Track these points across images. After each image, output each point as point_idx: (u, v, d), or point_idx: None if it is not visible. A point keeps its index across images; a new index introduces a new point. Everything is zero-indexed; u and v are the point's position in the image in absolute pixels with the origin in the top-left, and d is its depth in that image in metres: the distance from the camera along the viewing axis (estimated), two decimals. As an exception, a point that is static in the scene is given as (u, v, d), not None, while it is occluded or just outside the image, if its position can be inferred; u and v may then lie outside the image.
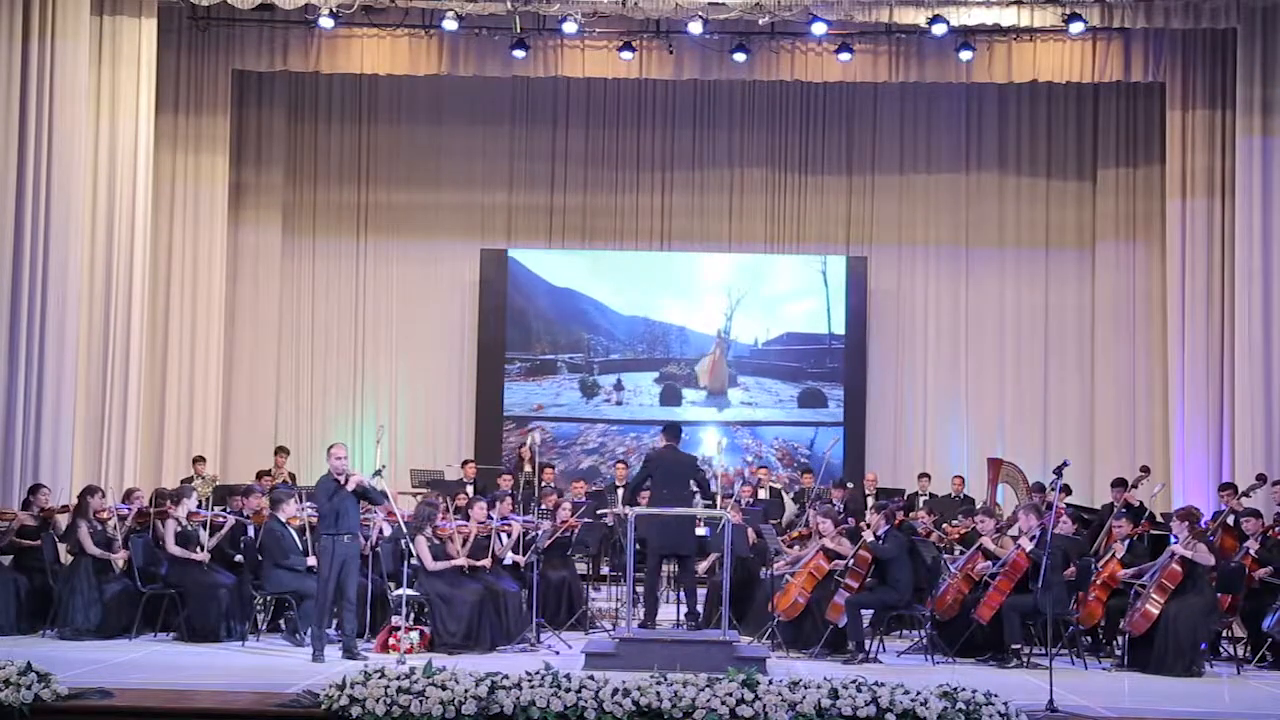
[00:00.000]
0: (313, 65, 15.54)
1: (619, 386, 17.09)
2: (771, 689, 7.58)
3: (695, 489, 11.20)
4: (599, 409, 17.12)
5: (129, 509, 11.62)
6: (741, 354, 17.30)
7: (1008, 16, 14.08)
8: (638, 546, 10.74)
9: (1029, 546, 10.44)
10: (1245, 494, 12.42)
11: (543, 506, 12.57)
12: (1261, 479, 12.78)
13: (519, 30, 14.83)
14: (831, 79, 15.82)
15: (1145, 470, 13.83)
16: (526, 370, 17.16)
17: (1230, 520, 11.80)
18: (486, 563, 10.92)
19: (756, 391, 17.20)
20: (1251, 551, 10.97)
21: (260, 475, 13.95)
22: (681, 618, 11.15)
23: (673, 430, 11.37)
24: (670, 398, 17.12)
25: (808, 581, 10.81)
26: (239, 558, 11.24)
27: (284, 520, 10.91)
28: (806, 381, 17.13)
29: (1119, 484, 13.34)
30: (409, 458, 16.46)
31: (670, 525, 10.79)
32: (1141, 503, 13.14)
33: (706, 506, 11.57)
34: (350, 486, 9.96)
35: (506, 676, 7.65)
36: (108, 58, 13.87)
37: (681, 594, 11.29)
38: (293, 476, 14.55)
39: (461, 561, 10.76)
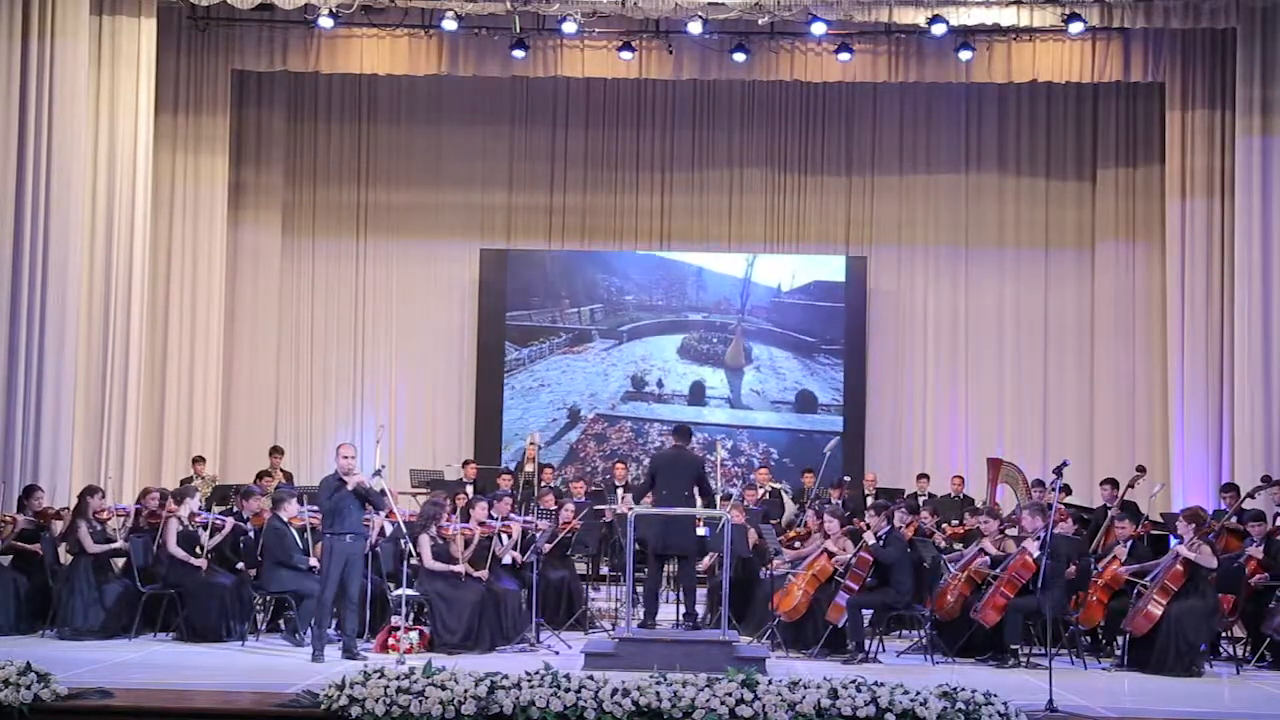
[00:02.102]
0: (312, 65, 15.54)
1: (660, 384, 17.19)
2: (771, 689, 7.58)
3: (697, 489, 11.20)
4: (652, 408, 17.17)
5: (134, 509, 11.62)
6: (760, 303, 17.28)
7: (1007, 16, 14.07)
8: (637, 546, 10.73)
9: (1036, 551, 10.32)
10: (1250, 495, 12.39)
11: (541, 507, 12.58)
12: (1267, 480, 12.74)
13: (519, 30, 14.84)
14: (831, 79, 15.82)
15: (1141, 470, 13.82)
16: (571, 340, 17.19)
17: (1233, 520, 11.79)
18: (484, 574, 10.87)
19: (766, 372, 17.19)
20: (1255, 555, 10.91)
21: (259, 476, 13.94)
22: (680, 618, 11.15)
23: (683, 432, 11.45)
24: (697, 396, 17.18)
25: (810, 583, 10.80)
26: (240, 564, 11.23)
27: (286, 520, 10.91)
28: (818, 357, 17.14)
29: (1109, 483, 13.32)
30: (409, 458, 16.45)
31: (670, 525, 10.79)
32: (1135, 503, 13.12)
33: (706, 506, 11.57)
34: (350, 485, 9.96)
35: (506, 676, 7.66)
36: (107, 58, 13.86)
37: (680, 594, 11.28)
38: (289, 475, 14.54)
39: (461, 568, 10.72)
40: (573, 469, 16.71)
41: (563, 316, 17.34)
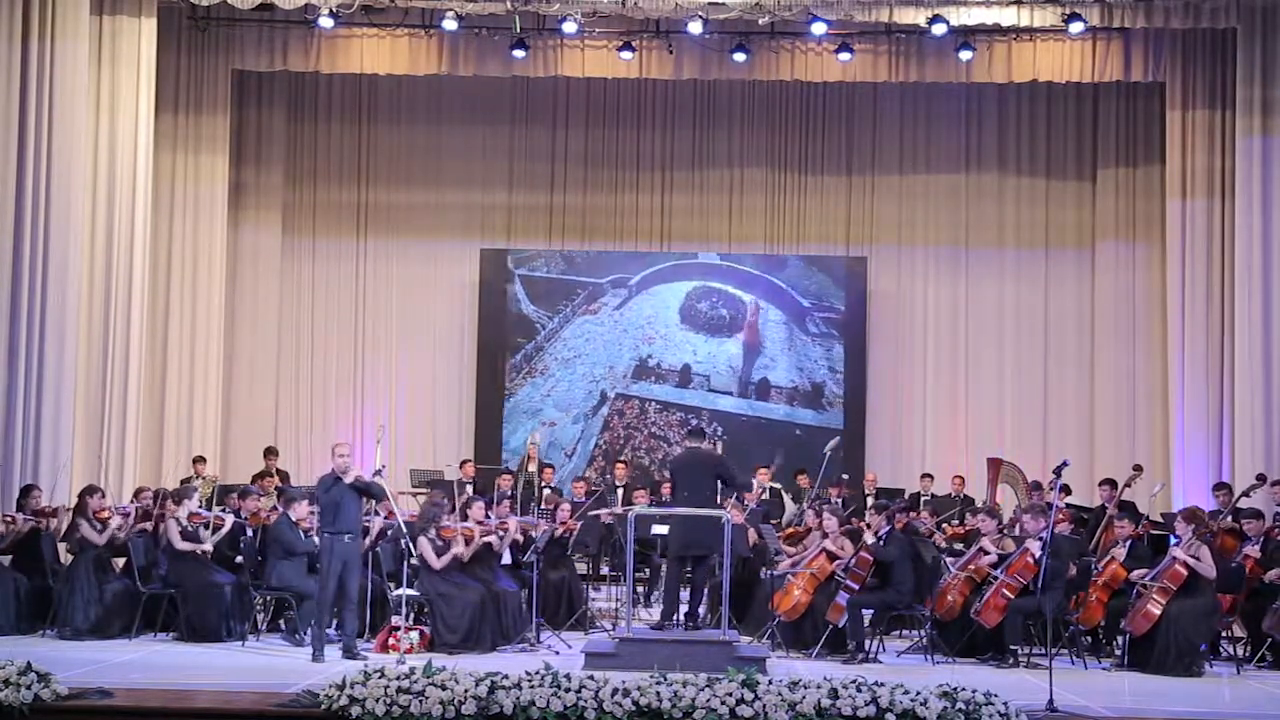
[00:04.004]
0: (313, 65, 15.56)
1: (659, 365, 17.24)
2: (771, 689, 7.58)
3: (721, 484, 11.14)
4: (651, 388, 17.22)
5: (131, 509, 11.61)
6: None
7: (1008, 16, 14.08)
8: (638, 547, 10.71)
9: (1038, 551, 10.29)
10: (1245, 494, 12.40)
11: (542, 507, 12.58)
12: (1261, 479, 12.75)
13: (519, 30, 14.85)
14: (831, 79, 15.85)
15: (1138, 469, 13.81)
16: (587, 298, 17.24)
17: (1229, 520, 11.79)
18: (504, 554, 10.93)
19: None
20: (1252, 554, 10.90)
21: (256, 478, 13.94)
22: (682, 617, 11.13)
23: (696, 433, 11.49)
24: (684, 379, 17.18)
25: (810, 582, 10.80)
26: (239, 559, 11.23)
27: (294, 520, 10.90)
28: (809, 325, 17.14)
29: (1107, 483, 13.31)
30: (409, 458, 16.43)
31: (689, 525, 10.69)
32: (1134, 503, 13.11)
33: (727, 498, 11.51)
34: (348, 479, 9.96)
35: (506, 676, 7.66)
36: (108, 58, 13.87)
37: (686, 593, 11.26)
38: (284, 475, 14.51)
39: (460, 550, 10.76)
40: (607, 435, 17.03)
41: (566, 255, 17.35)
